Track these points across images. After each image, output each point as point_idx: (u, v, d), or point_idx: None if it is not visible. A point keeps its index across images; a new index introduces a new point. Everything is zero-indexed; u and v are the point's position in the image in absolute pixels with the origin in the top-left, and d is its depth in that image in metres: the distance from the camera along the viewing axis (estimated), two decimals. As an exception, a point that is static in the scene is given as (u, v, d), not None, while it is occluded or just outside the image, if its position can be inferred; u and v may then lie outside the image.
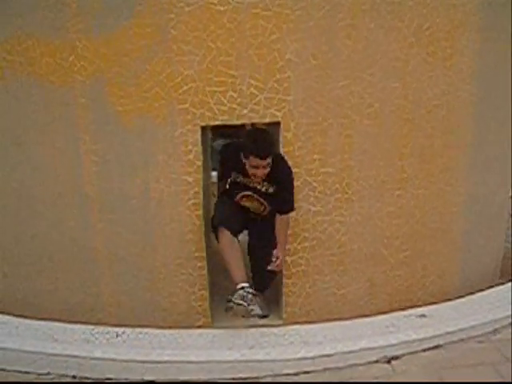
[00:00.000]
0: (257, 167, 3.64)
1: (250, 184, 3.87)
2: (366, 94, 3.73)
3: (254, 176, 3.72)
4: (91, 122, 3.68)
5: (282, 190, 3.80)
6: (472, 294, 4.23)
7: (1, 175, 3.89)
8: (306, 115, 3.68)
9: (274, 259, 3.69)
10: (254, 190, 3.88)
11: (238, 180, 3.90)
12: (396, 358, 3.52)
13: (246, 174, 3.80)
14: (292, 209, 3.82)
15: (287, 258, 3.89)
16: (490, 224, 4.47)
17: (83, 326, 3.85)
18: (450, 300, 4.16)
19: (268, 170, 3.66)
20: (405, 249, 4.10)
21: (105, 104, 3.62)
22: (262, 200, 3.91)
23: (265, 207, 3.94)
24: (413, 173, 3.96)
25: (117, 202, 3.80)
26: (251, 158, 3.61)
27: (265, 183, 3.83)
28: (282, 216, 3.82)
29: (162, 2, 3.44)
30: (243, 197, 3.91)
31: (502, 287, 4.33)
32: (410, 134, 3.88)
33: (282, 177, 3.76)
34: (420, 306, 4.09)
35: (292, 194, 3.80)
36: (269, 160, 3.61)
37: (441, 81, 3.84)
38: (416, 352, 3.57)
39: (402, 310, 4.04)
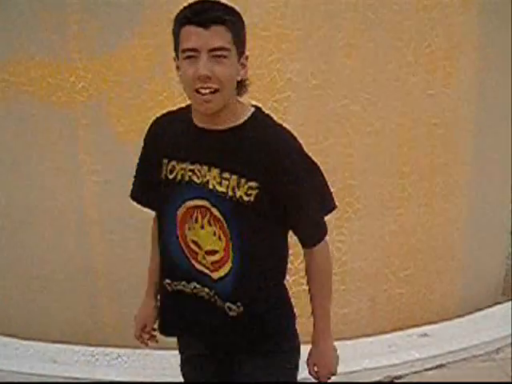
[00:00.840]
0: (196, 52, 1.70)
1: (199, 179, 1.85)
2: (365, 113, 3.73)
3: (196, 86, 1.71)
4: (92, 143, 3.68)
5: (285, 198, 1.84)
6: (474, 312, 4.22)
7: (0, 196, 3.89)
8: (306, 134, 3.67)
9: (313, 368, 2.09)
10: (209, 192, 1.83)
11: (174, 174, 1.91)
12: (399, 377, 3.50)
13: (189, 154, 1.88)
14: (321, 235, 2.00)
15: (288, 278, 3.85)
16: (492, 242, 4.46)
17: (83, 348, 3.82)
18: (452, 319, 4.14)
19: (227, 70, 1.72)
20: (406, 267, 4.08)
21: (105, 124, 3.63)
22: (222, 222, 1.83)
23: (226, 244, 1.85)
24: (413, 191, 3.95)
25: (117, 223, 3.79)
26: (183, 32, 1.75)
27: (232, 176, 1.80)
28: (310, 251, 2.01)
29: (163, 23, 3.46)
30: (187, 213, 1.89)
31: (504, 305, 4.32)
32: (410, 153, 3.88)
33: (277, 164, 1.80)
34: (422, 324, 4.07)
35: (317, 209, 1.95)
36: (224, 39, 1.71)
37: (440, 99, 3.84)
38: (419, 371, 3.56)
39: (404, 328, 4.03)
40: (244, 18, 3.45)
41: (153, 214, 2.26)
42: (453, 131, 3.94)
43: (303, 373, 2.48)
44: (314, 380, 2.13)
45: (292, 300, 3.72)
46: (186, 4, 1.81)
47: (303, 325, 4.00)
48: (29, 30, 3.55)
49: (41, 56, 3.57)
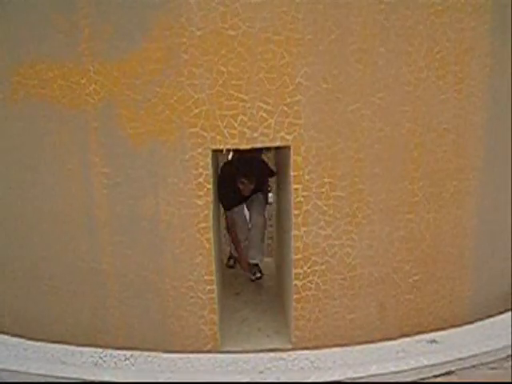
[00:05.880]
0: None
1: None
2: (376, 117, 3.73)
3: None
4: (102, 145, 3.70)
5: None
6: (484, 319, 4.20)
7: (13, 197, 3.92)
8: (316, 139, 3.69)
9: None
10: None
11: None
12: (407, 384, 3.49)
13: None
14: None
15: (297, 282, 3.87)
16: (502, 248, 4.43)
17: (92, 349, 3.85)
18: (461, 325, 4.12)
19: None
20: (415, 273, 4.07)
21: (116, 127, 3.65)
22: None
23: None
24: (423, 196, 3.94)
25: (127, 225, 3.81)
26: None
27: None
28: None
29: (174, 27, 3.48)
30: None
31: (514, 313, 4.30)
32: (421, 158, 3.87)
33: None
34: (431, 330, 4.05)
35: None
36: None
37: (451, 104, 3.84)
38: (427, 378, 3.54)
39: (413, 334, 4.01)
40: (256, 23, 3.49)
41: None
42: (463, 137, 3.93)
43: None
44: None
45: (300, 304, 3.75)
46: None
47: (310, 328, 4.02)
48: (41, 33, 3.58)
49: (52, 58, 3.60)
